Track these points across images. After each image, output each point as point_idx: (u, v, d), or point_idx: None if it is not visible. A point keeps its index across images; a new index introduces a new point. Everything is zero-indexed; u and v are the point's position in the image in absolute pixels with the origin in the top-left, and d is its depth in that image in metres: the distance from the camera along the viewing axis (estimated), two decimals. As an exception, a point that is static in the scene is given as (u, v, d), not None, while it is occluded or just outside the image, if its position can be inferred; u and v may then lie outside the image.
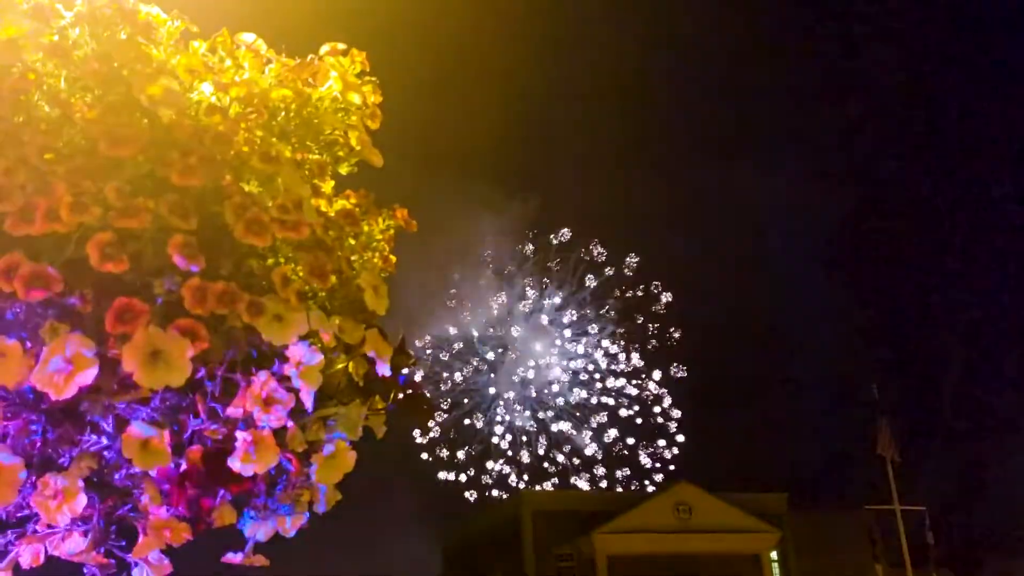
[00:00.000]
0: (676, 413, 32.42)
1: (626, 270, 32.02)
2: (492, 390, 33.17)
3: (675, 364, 32.59)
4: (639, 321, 32.39)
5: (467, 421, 33.08)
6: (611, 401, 33.53)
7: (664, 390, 32.49)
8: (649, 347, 32.85)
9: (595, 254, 31.60)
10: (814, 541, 35.13)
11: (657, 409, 33.30)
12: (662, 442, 32.75)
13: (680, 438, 32.73)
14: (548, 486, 35.15)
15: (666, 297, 31.74)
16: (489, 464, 33.44)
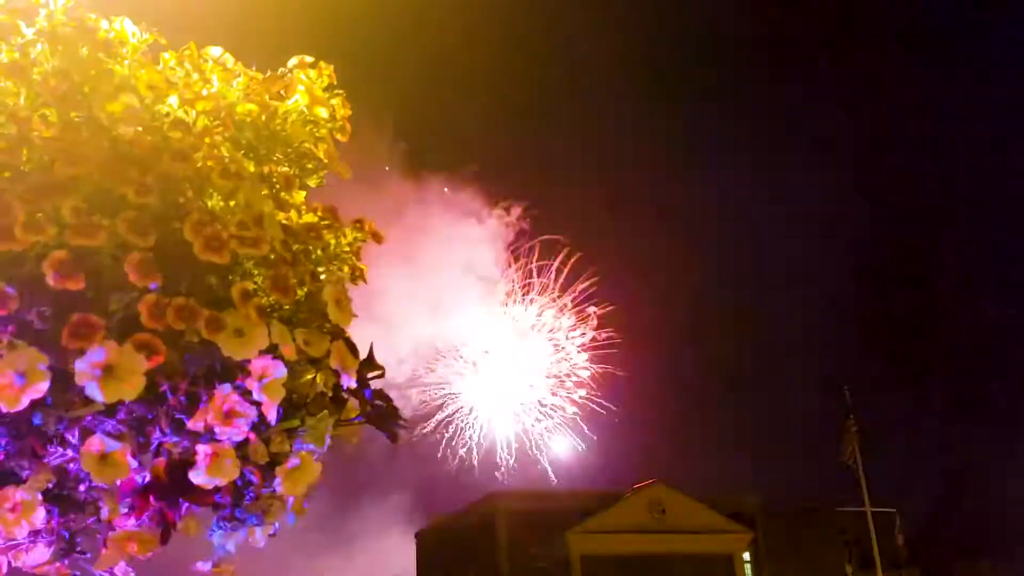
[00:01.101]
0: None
1: (593, 282, 32.32)
2: (473, 393, 33.25)
3: (614, 367, 32.94)
4: (593, 325, 32.70)
5: (449, 423, 33.11)
6: (576, 403, 33.78)
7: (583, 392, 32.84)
8: (604, 352, 33.17)
9: (568, 263, 31.87)
10: (787, 542, 35.37)
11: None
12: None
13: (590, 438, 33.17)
14: (522, 486, 35.16)
15: (608, 307, 32.14)
16: (468, 463, 33.47)
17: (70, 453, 1.91)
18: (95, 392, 1.60)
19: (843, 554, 31.67)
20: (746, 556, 35.39)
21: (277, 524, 2.24)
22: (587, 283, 32.93)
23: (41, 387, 1.58)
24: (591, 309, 33.21)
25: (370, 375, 2.33)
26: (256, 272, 2.01)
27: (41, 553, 1.94)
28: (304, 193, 2.40)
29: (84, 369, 1.58)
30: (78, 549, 1.99)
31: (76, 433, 1.87)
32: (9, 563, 1.95)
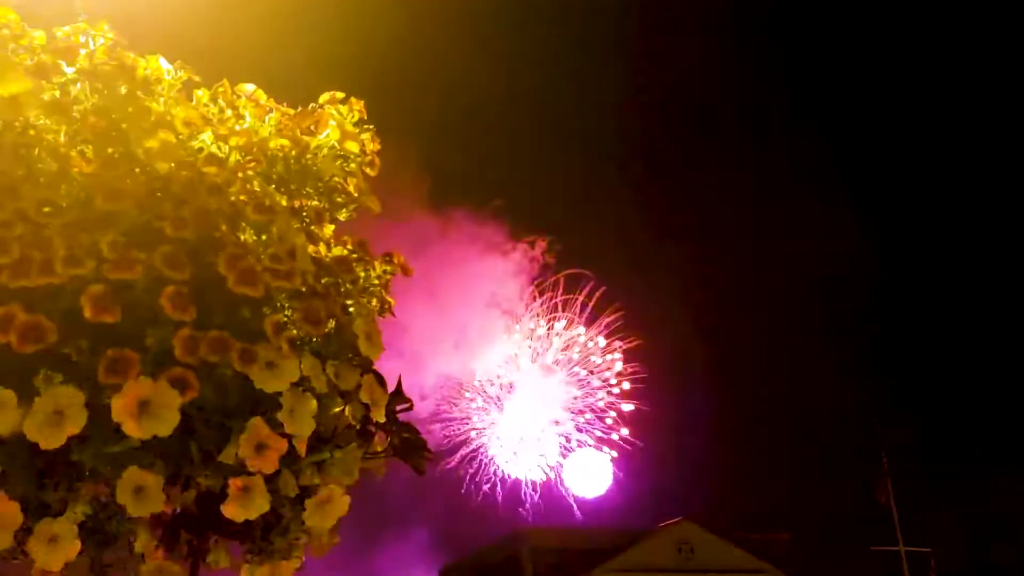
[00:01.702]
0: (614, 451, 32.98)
1: (619, 316, 32.41)
2: (497, 428, 33.23)
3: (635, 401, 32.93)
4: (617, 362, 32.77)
5: (472, 458, 33.07)
6: (601, 440, 33.75)
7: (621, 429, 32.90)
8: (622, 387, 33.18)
9: (591, 299, 32.00)
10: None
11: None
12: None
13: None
14: (547, 523, 34.91)
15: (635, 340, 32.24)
16: (492, 499, 33.37)
17: (102, 486, 1.92)
18: (131, 428, 1.61)
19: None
20: (777, 596, 34.82)
21: (304, 558, 2.24)
22: (612, 317, 32.92)
23: (79, 423, 1.59)
24: (616, 344, 33.15)
25: (398, 408, 2.34)
26: (287, 305, 2.03)
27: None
28: (333, 227, 2.43)
29: (120, 405, 1.59)
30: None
31: (107, 465, 1.89)
32: None
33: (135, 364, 1.63)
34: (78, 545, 1.75)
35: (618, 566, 32.57)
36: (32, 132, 1.80)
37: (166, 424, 1.63)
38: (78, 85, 1.92)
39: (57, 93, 1.89)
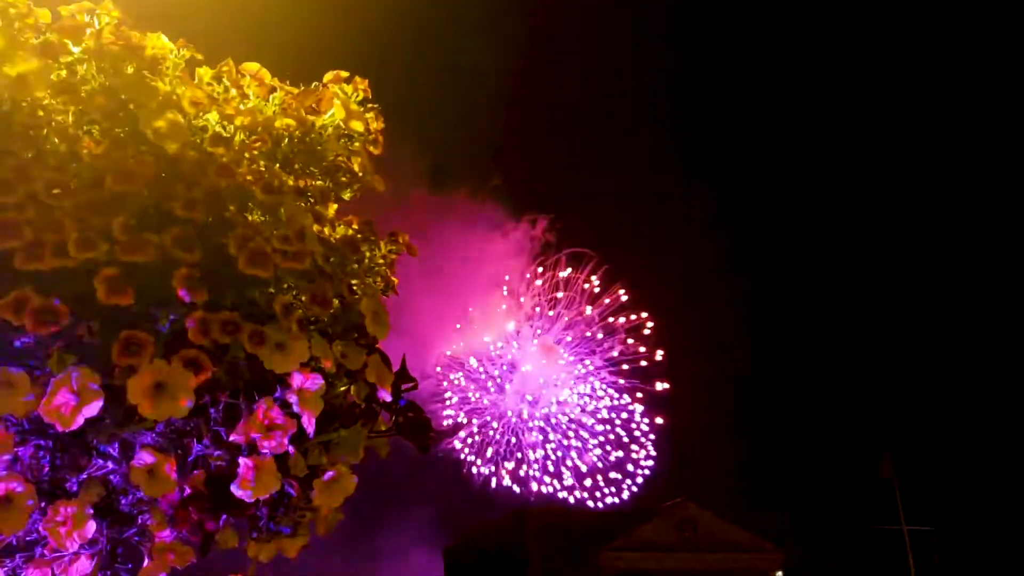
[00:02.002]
0: (646, 428, 33.08)
1: (622, 294, 32.27)
2: (501, 407, 33.28)
3: (658, 379, 32.86)
4: (628, 341, 32.67)
5: (475, 438, 33.16)
6: (607, 420, 33.81)
7: (640, 408, 32.96)
8: (639, 366, 33.15)
9: (593, 281, 31.86)
10: (821, 561, 34.91)
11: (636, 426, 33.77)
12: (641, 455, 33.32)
13: (652, 453, 33.31)
14: (553, 503, 35.05)
15: (650, 323, 32.12)
16: (495, 479, 33.50)
17: (111, 465, 1.93)
18: (147, 410, 1.61)
19: (878, 574, 31.24)
20: (779, 575, 34.96)
21: (309, 536, 2.25)
22: (614, 295, 32.85)
23: (95, 406, 1.59)
24: (619, 321, 33.11)
25: (403, 387, 2.34)
26: (294, 286, 2.03)
27: (84, 564, 1.96)
28: (336, 206, 2.42)
29: (136, 387, 1.59)
30: (119, 560, 2.00)
31: (117, 446, 1.89)
32: (53, 573, 1.96)
33: (150, 346, 1.63)
34: (92, 526, 1.76)
35: (622, 545, 32.70)
36: (41, 113, 1.78)
37: (182, 405, 1.63)
38: (84, 65, 1.90)
39: (64, 73, 1.87)
